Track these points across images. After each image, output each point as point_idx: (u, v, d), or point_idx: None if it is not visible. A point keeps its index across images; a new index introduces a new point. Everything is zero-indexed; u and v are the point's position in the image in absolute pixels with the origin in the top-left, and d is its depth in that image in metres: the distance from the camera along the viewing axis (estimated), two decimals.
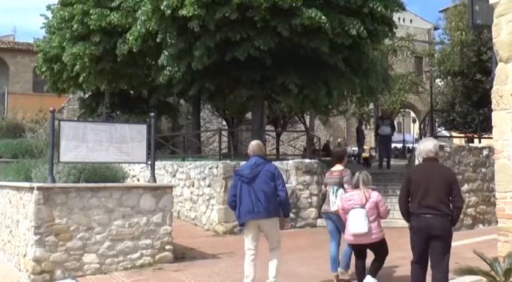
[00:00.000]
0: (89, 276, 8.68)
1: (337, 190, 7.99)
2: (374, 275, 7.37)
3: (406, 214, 6.55)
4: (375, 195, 7.36)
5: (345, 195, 7.65)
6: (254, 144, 7.53)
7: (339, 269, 8.10)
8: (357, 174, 7.67)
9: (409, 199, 6.49)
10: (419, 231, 6.34)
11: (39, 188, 8.51)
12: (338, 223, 7.95)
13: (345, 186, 7.99)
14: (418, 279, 6.47)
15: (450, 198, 6.30)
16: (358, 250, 7.58)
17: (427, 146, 6.62)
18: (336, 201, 7.88)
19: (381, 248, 7.42)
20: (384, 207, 7.42)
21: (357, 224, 7.21)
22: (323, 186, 8.63)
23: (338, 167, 8.36)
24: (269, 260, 7.29)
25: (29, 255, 8.54)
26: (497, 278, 5.64)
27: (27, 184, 9.02)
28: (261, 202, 7.03)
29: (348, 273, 8.11)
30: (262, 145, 7.74)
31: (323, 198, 8.57)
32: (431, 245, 6.32)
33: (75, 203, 8.75)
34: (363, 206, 7.27)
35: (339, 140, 35.35)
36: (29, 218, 8.70)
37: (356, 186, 7.56)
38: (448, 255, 6.37)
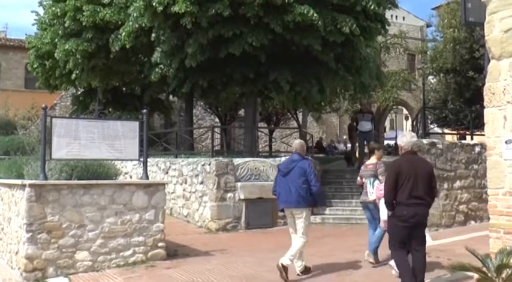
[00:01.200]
0: (81, 273, 8.65)
1: (373, 181, 8.80)
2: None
3: (392, 204, 7.02)
4: None
5: (379, 186, 8.46)
6: (297, 142, 8.74)
7: (366, 252, 9.02)
8: None
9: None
10: (410, 219, 6.85)
11: (31, 185, 8.47)
12: (374, 211, 8.87)
13: (380, 177, 8.82)
14: (405, 262, 6.99)
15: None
16: None
17: (411, 140, 7.24)
18: (373, 191, 8.75)
19: None
20: None
21: (386, 211, 7.55)
22: (358, 178, 9.44)
23: (372, 160, 9.32)
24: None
25: (21, 252, 8.49)
26: (489, 274, 5.66)
27: (19, 181, 8.97)
28: (291, 193, 8.16)
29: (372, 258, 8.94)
30: (304, 144, 8.84)
31: (361, 190, 9.49)
32: (414, 231, 6.94)
33: (68, 200, 8.72)
34: None
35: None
36: (20, 216, 8.66)
37: None
38: (425, 239, 7.17)
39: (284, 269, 7.86)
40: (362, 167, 9.54)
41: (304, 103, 19.86)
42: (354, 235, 10.81)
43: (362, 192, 9.28)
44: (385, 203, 7.21)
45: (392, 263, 7.74)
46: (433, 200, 7.12)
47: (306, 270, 8.34)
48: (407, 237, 6.97)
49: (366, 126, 17.81)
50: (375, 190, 8.65)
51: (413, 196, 6.81)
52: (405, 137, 7.33)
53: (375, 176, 8.91)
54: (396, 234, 7.07)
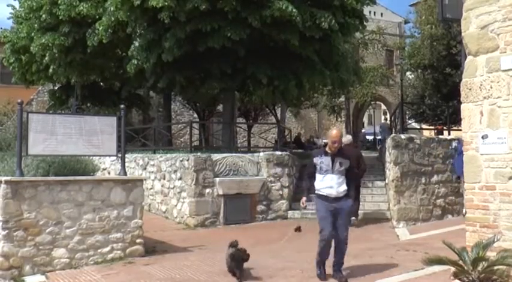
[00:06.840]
0: (58, 271, 8.54)
1: None
2: None
3: None
4: None
5: None
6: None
7: None
8: None
9: None
10: None
11: (7, 182, 8.35)
12: None
13: None
14: None
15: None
16: None
17: (348, 138, 12.54)
18: None
19: None
20: None
21: None
22: None
23: None
24: None
25: None
26: (465, 267, 5.73)
27: None
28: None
29: None
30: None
31: None
32: None
33: (44, 196, 8.61)
34: None
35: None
36: None
37: None
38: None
39: None
40: None
41: (283, 98, 19.89)
42: None
43: None
44: None
45: None
46: (361, 171, 12.06)
47: None
48: None
49: None
50: None
51: None
52: (345, 138, 11.68)
53: None
54: None
